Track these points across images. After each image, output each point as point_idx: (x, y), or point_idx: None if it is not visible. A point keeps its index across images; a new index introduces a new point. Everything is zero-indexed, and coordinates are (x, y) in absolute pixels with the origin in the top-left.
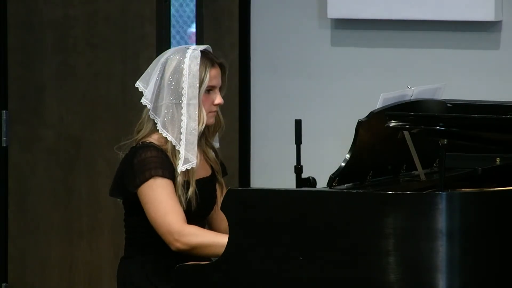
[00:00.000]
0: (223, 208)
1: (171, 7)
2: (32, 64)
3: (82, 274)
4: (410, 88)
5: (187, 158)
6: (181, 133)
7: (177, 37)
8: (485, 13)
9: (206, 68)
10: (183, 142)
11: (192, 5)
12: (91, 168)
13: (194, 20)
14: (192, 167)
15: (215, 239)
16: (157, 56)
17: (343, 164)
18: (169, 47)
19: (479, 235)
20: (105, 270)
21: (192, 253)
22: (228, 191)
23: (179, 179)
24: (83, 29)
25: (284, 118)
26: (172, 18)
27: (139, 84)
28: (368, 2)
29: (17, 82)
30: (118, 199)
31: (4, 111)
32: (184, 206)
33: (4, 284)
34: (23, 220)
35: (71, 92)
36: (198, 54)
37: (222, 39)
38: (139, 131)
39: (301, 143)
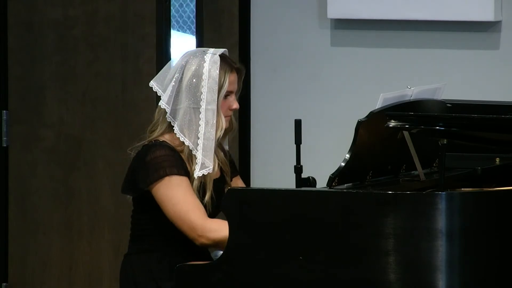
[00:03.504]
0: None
1: (171, 7)
2: (32, 64)
3: (82, 274)
4: (410, 88)
5: (204, 163)
6: (198, 138)
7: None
8: (485, 13)
9: (225, 74)
10: (200, 147)
11: (192, 5)
12: (91, 168)
13: (194, 20)
14: (208, 173)
15: None
16: (157, 56)
17: (343, 164)
18: (169, 47)
19: (479, 235)
20: (105, 270)
21: (215, 246)
22: (228, 191)
23: (195, 183)
24: (83, 29)
25: (284, 118)
26: (172, 18)
27: (153, 84)
28: (368, 2)
29: (17, 82)
30: (128, 197)
31: (4, 111)
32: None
33: (4, 284)
34: (23, 220)
35: (71, 92)
36: (217, 59)
37: (222, 39)
38: (152, 131)
39: (301, 143)
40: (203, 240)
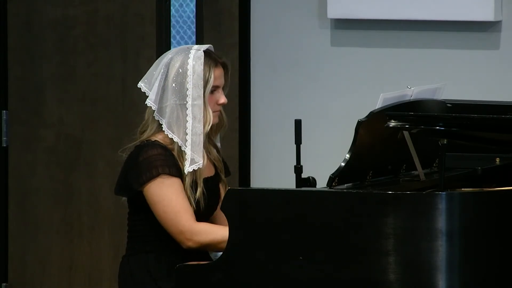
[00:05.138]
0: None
1: (171, 7)
2: (32, 64)
3: (82, 274)
4: (410, 88)
5: (193, 159)
6: (186, 134)
7: (177, 37)
8: (485, 13)
9: (210, 68)
10: (189, 143)
11: (192, 5)
12: (91, 168)
13: (194, 20)
14: (199, 168)
15: (226, 234)
16: (157, 56)
17: (343, 164)
18: (169, 47)
19: (479, 235)
20: (105, 270)
21: (203, 250)
22: (228, 191)
23: (187, 180)
24: (83, 29)
25: (284, 118)
26: (172, 18)
27: (141, 85)
28: (368, 2)
29: (17, 82)
30: (123, 198)
31: (4, 111)
32: (194, 206)
33: (4, 284)
34: (23, 220)
35: (71, 92)
36: (201, 54)
37: (222, 39)
38: (143, 132)
39: (301, 143)
40: (190, 244)
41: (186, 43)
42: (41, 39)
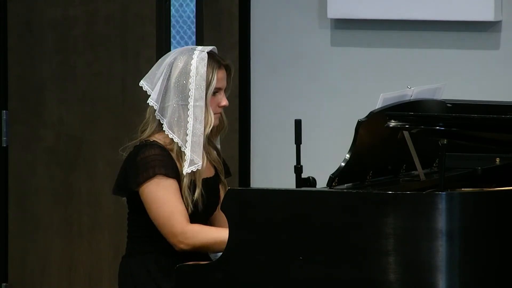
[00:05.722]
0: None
1: (171, 7)
2: (32, 64)
3: (82, 274)
4: (410, 88)
5: (193, 160)
6: (187, 135)
7: (177, 37)
8: (485, 13)
9: (213, 70)
10: (189, 144)
11: (192, 5)
12: (91, 168)
13: (194, 20)
14: (198, 169)
15: (219, 236)
16: (157, 56)
17: (343, 164)
18: (169, 47)
19: (479, 235)
20: (105, 270)
21: (197, 251)
22: (228, 191)
23: (185, 180)
24: (83, 29)
25: (284, 118)
26: (172, 18)
27: (143, 83)
28: (368, 2)
29: (17, 82)
30: (122, 198)
31: (4, 111)
32: (192, 207)
33: (4, 284)
34: (23, 220)
35: (71, 92)
36: (205, 55)
37: (222, 39)
38: (143, 131)
39: (301, 143)
40: (183, 246)
41: (186, 43)
42: (41, 39)
